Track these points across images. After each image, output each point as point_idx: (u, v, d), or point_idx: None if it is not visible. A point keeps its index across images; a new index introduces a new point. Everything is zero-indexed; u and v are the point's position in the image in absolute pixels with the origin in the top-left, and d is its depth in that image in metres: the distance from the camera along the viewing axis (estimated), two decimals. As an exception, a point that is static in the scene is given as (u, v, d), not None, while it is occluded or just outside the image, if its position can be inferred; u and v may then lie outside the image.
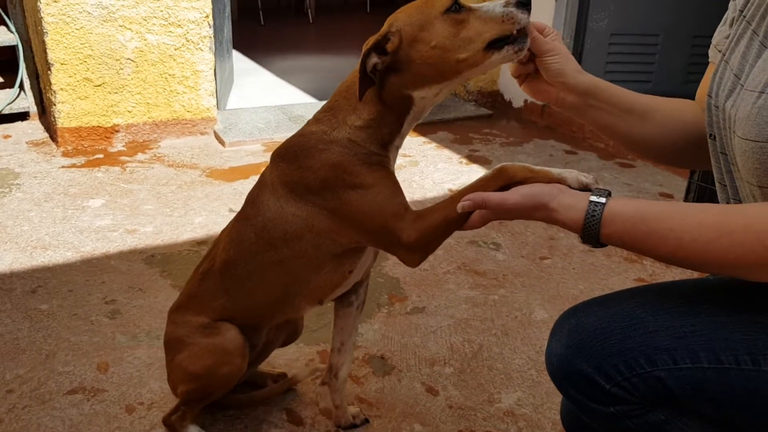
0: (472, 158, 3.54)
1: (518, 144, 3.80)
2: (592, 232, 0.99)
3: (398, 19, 1.19)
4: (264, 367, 1.80)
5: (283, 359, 1.89)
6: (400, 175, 3.21)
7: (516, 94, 4.36)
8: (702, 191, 2.50)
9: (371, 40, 1.18)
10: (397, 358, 1.92)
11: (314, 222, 1.29)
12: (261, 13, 7.25)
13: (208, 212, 2.78)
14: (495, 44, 1.13)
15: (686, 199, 2.56)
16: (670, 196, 3.10)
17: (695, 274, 2.16)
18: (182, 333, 1.49)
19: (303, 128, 1.33)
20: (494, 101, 4.48)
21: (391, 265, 2.42)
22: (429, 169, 3.36)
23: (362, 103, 1.24)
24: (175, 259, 2.41)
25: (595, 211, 0.99)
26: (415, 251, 1.22)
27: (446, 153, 3.61)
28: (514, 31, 1.13)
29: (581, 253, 2.53)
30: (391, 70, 1.20)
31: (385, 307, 2.16)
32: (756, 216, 0.91)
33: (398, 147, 1.31)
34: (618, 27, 4.01)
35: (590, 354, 1.05)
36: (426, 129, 3.93)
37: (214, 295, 1.47)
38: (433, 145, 3.72)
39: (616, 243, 1.00)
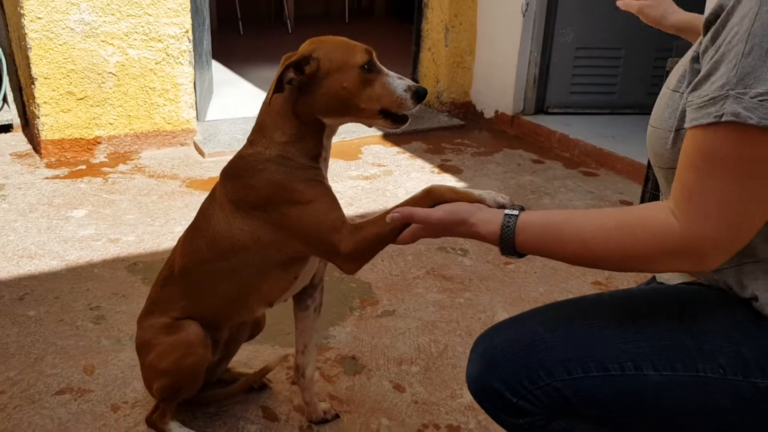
0: (444, 168, 3.68)
1: (488, 154, 3.95)
2: (508, 240, 1.10)
3: (320, 49, 1.34)
4: (242, 368, 1.92)
5: (260, 360, 2.01)
6: (375, 184, 3.38)
7: (487, 104, 4.52)
8: (654, 199, 2.66)
9: (294, 57, 1.33)
10: (367, 358, 2.04)
11: (260, 235, 1.43)
12: (240, 22, 7.36)
13: (188, 221, 2.86)
14: (384, 111, 1.36)
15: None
16: (630, 204, 3.26)
17: (638, 280, 2.30)
18: (149, 336, 1.62)
19: (241, 150, 1.47)
20: (466, 112, 4.63)
21: (363, 270, 2.53)
22: (402, 179, 3.49)
23: (283, 119, 1.39)
24: (157, 267, 2.51)
25: (509, 222, 1.10)
26: (352, 261, 1.36)
27: (419, 162, 3.75)
28: (400, 113, 1.35)
29: (543, 258, 2.67)
30: (303, 89, 1.36)
31: (357, 310, 2.29)
32: (646, 212, 1.02)
33: (326, 160, 1.46)
34: (583, 41, 4.19)
35: (499, 372, 1.15)
36: (400, 139, 4.07)
37: (175, 300, 1.60)
38: (407, 154, 3.86)
39: (531, 249, 1.11)
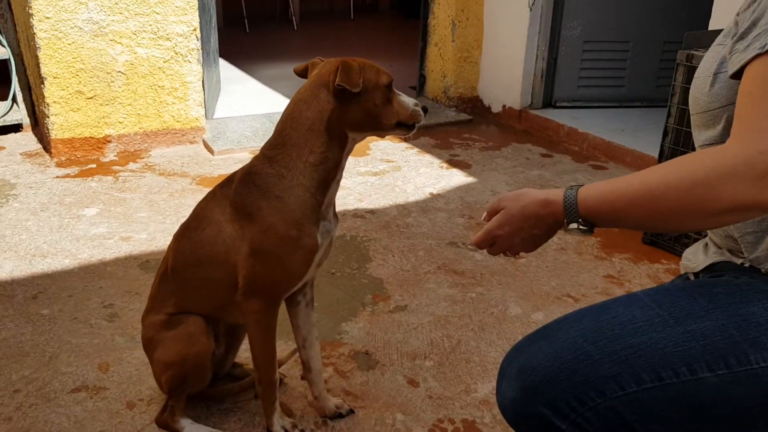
0: (453, 163, 3.68)
1: (497, 148, 3.95)
2: (571, 201, 1.07)
3: (364, 69, 1.45)
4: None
5: (273, 356, 2.01)
6: (384, 180, 3.37)
7: (495, 99, 4.51)
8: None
9: (367, 69, 1.45)
10: (381, 353, 2.05)
11: (235, 250, 1.50)
12: (246, 20, 7.37)
13: (199, 219, 2.89)
14: (399, 124, 1.52)
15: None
16: (640, 197, 3.24)
17: (650, 273, 2.29)
18: (152, 333, 1.65)
19: (259, 163, 1.50)
20: (474, 106, 4.63)
21: (375, 266, 2.55)
22: (411, 174, 3.49)
23: (313, 135, 1.45)
24: (169, 264, 2.53)
25: (572, 187, 1.09)
26: (246, 314, 1.56)
27: (428, 158, 3.74)
28: (411, 123, 1.52)
29: (554, 252, 2.68)
30: (343, 102, 1.44)
31: (369, 306, 2.29)
32: (705, 155, 0.98)
33: (338, 181, 1.52)
34: (591, 34, 4.17)
35: (544, 395, 1.07)
36: (408, 135, 4.06)
37: (169, 297, 1.65)
38: (415, 150, 3.86)
39: (593, 206, 1.06)
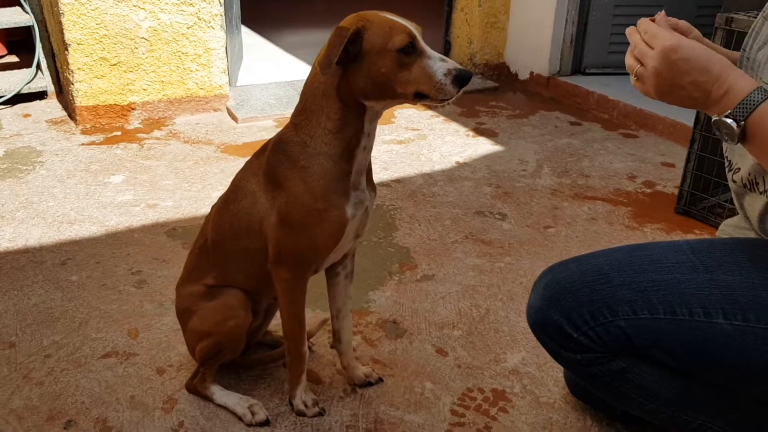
0: (479, 131, 3.62)
1: (524, 116, 3.88)
2: (753, 102, 0.97)
3: (366, 29, 1.28)
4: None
5: (301, 324, 2.00)
6: (409, 149, 3.33)
7: (522, 66, 4.42)
8: (701, 160, 2.58)
9: (348, 34, 1.25)
10: (409, 322, 2.03)
11: (268, 218, 1.46)
12: (268, -13, 7.28)
13: (225, 187, 2.87)
14: (419, 94, 1.29)
15: (686, 168, 2.65)
16: (671, 166, 3.18)
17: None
18: (188, 304, 1.64)
19: (288, 132, 1.44)
20: (500, 74, 4.55)
21: (401, 235, 2.52)
22: (437, 142, 3.45)
23: (327, 101, 1.35)
24: (196, 232, 2.48)
25: (761, 90, 0.97)
26: (278, 281, 1.52)
27: (453, 126, 3.69)
28: (438, 98, 1.28)
29: (584, 222, 2.63)
30: (345, 69, 1.31)
31: (396, 275, 2.27)
32: None
33: (367, 149, 1.42)
34: (622, -2, 4.06)
35: (561, 306, 1.17)
36: (433, 102, 4.01)
37: (209, 269, 1.62)
38: (441, 118, 3.80)
39: (759, 126, 0.96)
